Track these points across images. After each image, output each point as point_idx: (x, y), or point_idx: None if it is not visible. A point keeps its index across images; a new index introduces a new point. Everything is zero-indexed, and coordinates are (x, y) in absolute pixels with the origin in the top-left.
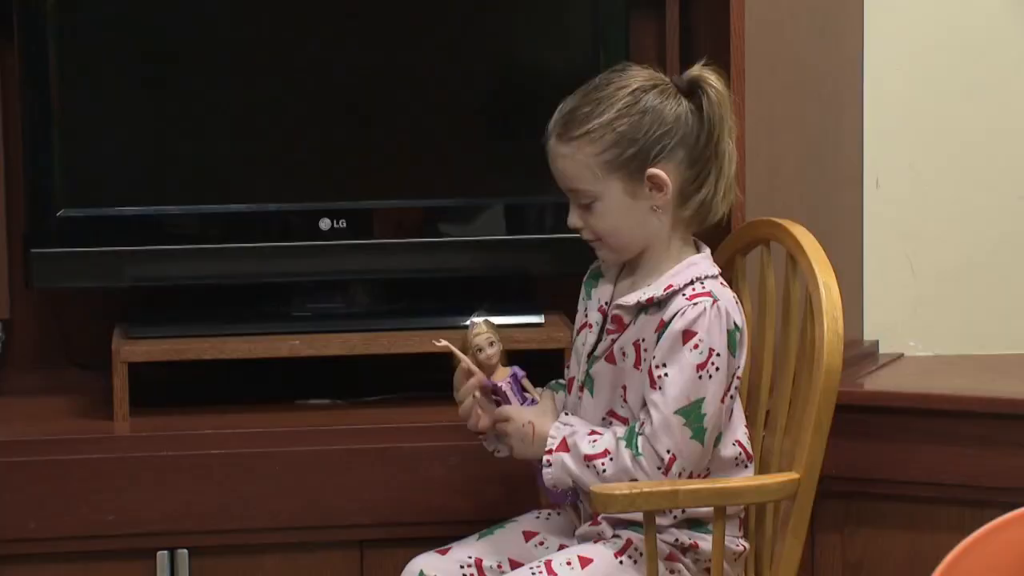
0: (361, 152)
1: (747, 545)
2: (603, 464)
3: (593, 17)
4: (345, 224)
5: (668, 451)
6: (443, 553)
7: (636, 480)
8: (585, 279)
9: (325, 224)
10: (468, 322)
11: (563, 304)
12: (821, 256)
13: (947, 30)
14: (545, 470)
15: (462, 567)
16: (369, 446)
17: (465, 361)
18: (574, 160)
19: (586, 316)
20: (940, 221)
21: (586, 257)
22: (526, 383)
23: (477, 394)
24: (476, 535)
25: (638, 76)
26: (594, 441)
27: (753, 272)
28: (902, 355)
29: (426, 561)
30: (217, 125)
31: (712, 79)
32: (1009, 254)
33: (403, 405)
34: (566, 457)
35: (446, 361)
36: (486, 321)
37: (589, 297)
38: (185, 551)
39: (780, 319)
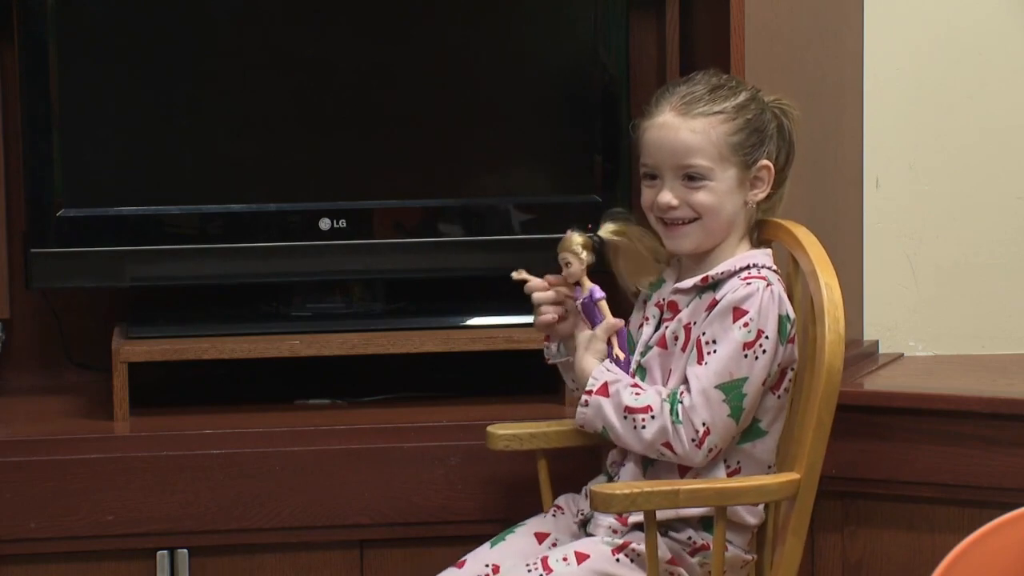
0: (361, 152)
1: (754, 556)
2: (643, 420)
3: (593, 17)
4: (345, 224)
5: (704, 423)
6: (460, 567)
7: (669, 445)
8: (650, 286)
9: (325, 224)
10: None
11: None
12: (823, 256)
13: (947, 30)
14: (580, 409)
15: None
16: (369, 446)
17: (538, 282)
18: (704, 135)
19: (644, 313)
20: (940, 221)
21: None
22: (602, 305)
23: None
24: (488, 544)
25: (747, 86)
26: (637, 394)
27: None
28: (902, 355)
29: None
30: (217, 125)
31: (792, 107)
32: (1009, 254)
33: (403, 405)
34: (604, 402)
35: (445, 361)
36: (580, 234)
37: (650, 298)
38: (185, 551)
39: None
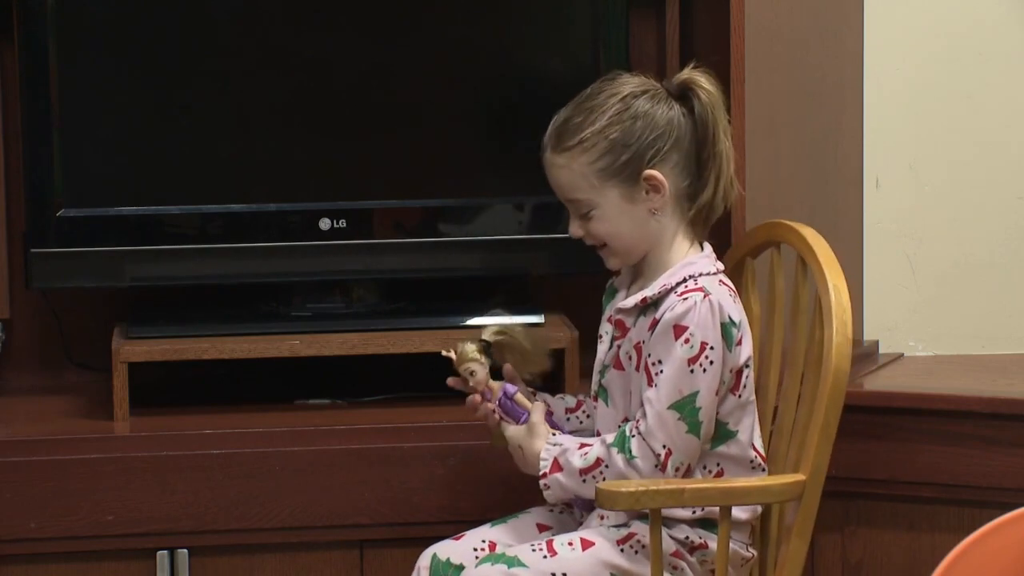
0: (361, 152)
1: (755, 553)
2: (601, 474)
3: (593, 17)
4: (345, 224)
5: (664, 446)
6: (456, 540)
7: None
8: (604, 295)
9: (325, 224)
10: (457, 345)
11: (563, 304)
12: (831, 258)
13: (947, 30)
14: (545, 493)
15: (475, 549)
16: (369, 446)
17: (457, 382)
18: (570, 170)
19: (599, 330)
20: (940, 221)
21: (586, 257)
22: (519, 398)
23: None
24: (489, 524)
25: (628, 83)
26: (585, 454)
27: (763, 274)
28: (902, 355)
29: (439, 547)
30: (217, 125)
31: (702, 81)
32: (1009, 254)
33: (403, 405)
34: (560, 477)
35: (444, 361)
36: (472, 343)
37: (604, 311)
38: (185, 551)
39: (789, 321)
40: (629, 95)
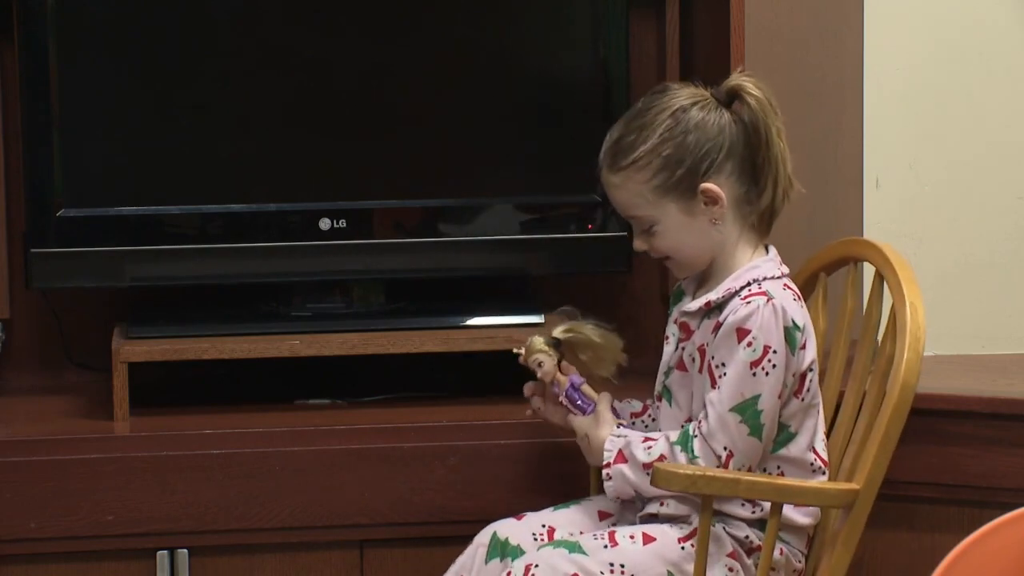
0: (361, 152)
1: (804, 565)
2: None
3: (593, 17)
4: (345, 224)
5: (725, 448)
6: (519, 519)
7: None
8: (671, 297)
9: (325, 224)
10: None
11: (563, 304)
12: (910, 276)
13: (947, 30)
14: (606, 483)
15: (534, 535)
16: (369, 446)
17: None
18: (626, 189)
19: (666, 331)
20: (940, 221)
21: (586, 257)
22: (585, 389)
23: (539, 405)
24: (551, 508)
25: (678, 95)
26: (649, 448)
27: (835, 289)
28: None
29: (500, 526)
30: (217, 125)
31: (750, 86)
32: (1009, 254)
33: (403, 405)
34: (625, 468)
35: (444, 361)
36: (540, 337)
37: (671, 313)
38: (185, 551)
39: (857, 335)
40: (679, 109)
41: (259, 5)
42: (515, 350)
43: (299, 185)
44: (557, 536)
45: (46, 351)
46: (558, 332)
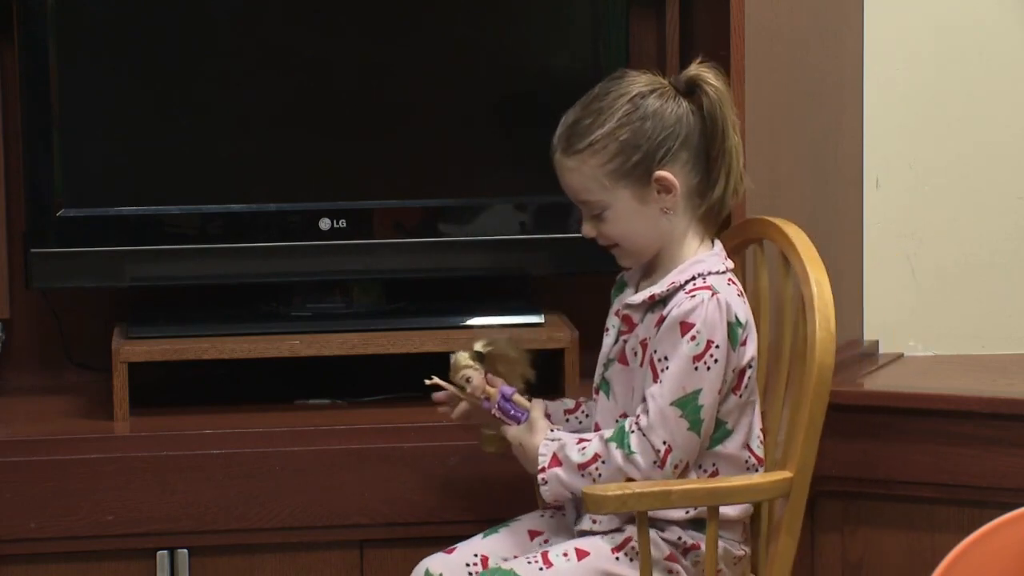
0: (361, 152)
1: (747, 550)
2: (596, 469)
3: (593, 17)
4: (345, 224)
5: (664, 442)
6: (449, 553)
7: (631, 479)
8: (613, 288)
9: (325, 224)
10: (450, 356)
11: (563, 304)
12: (812, 254)
13: (947, 30)
14: (542, 488)
15: (468, 565)
16: (369, 446)
17: (452, 390)
18: (580, 173)
19: (606, 323)
20: (940, 221)
21: (586, 257)
22: (517, 398)
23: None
24: (481, 534)
25: (636, 82)
26: (583, 449)
27: (747, 270)
28: (902, 355)
29: (432, 562)
30: (217, 125)
31: (709, 77)
32: (1009, 254)
33: (403, 405)
34: (559, 472)
35: (445, 361)
36: (464, 352)
37: (612, 304)
38: (185, 551)
39: (774, 318)
40: (637, 95)
41: (259, 5)
42: (427, 381)
43: (299, 185)
44: (491, 564)
45: (46, 351)
46: (480, 346)
